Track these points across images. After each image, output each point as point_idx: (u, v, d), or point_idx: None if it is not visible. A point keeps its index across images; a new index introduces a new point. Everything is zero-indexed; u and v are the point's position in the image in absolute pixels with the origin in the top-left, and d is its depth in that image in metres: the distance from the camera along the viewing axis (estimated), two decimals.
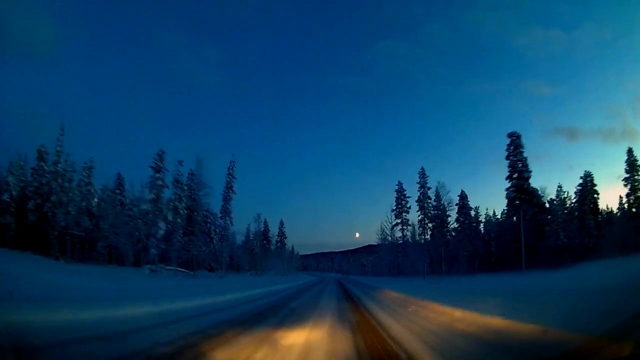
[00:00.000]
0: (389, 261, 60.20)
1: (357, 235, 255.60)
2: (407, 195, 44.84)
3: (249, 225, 55.47)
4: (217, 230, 51.67)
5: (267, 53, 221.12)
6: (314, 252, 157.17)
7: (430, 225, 36.95)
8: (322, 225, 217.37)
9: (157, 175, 24.59)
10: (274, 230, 66.22)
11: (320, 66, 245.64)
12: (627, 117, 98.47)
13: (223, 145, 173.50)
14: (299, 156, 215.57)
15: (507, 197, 32.47)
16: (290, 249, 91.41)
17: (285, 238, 65.95)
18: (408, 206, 44.63)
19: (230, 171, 34.79)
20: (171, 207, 25.82)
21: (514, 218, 40.77)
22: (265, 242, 62.37)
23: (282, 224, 66.02)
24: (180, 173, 27.01)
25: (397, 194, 45.25)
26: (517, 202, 31.47)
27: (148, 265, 28.85)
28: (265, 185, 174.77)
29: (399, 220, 44.72)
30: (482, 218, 45.01)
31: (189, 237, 41.47)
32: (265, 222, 62.99)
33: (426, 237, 38.53)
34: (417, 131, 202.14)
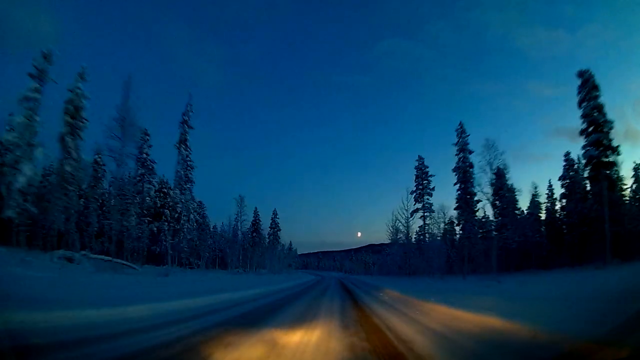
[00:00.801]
0: (401, 258, 50.84)
1: (359, 234, 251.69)
2: (429, 174, 35.31)
3: (237, 214, 45.52)
4: (192, 216, 42.39)
5: (269, 51, 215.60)
6: (315, 251, 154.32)
7: (472, 201, 27.03)
8: (324, 225, 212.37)
9: (35, 85, 14.97)
10: (267, 224, 56.83)
11: (321, 65, 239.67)
12: (629, 118, 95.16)
13: (224, 145, 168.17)
14: (301, 156, 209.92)
15: (585, 156, 22.96)
16: (288, 244, 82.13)
17: (279, 230, 56.29)
18: (431, 187, 35.11)
19: (185, 117, 24.37)
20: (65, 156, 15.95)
21: (564, 199, 31.40)
22: (255, 234, 52.89)
23: (275, 213, 56.46)
24: (79, 90, 17.28)
25: (417, 172, 35.72)
26: (595, 161, 21.92)
27: (62, 251, 19.58)
28: (266, 184, 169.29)
29: (419, 205, 35.12)
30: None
31: (144, 218, 32.20)
32: (256, 212, 53.59)
33: (471, 218, 28.71)
34: (419, 131, 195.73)
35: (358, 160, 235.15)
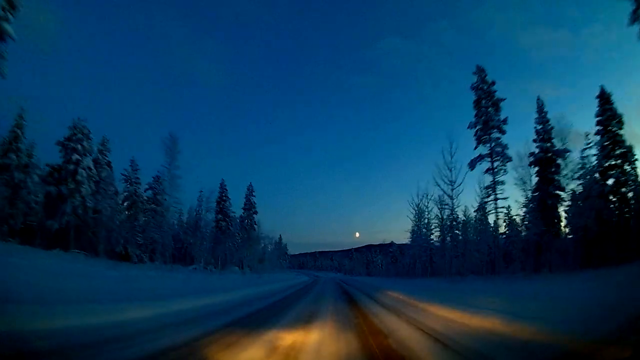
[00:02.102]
0: (425, 254, 35.99)
1: (357, 234, 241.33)
2: (497, 96, 20.57)
3: (165, 165, 26.69)
4: (106, 176, 26.99)
5: (270, 50, 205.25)
6: (312, 251, 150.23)
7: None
8: (321, 226, 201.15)
9: None
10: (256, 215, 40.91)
11: (321, 63, 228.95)
12: (631, 119, 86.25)
13: (223, 145, 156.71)
14: (301, 156, 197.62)
15: None
16: (277, 238, 66.45)
17: (256, 213, 40.57)
18: (502, 119, 20.33)
19: None
20: None
21: None
22: (220, 217, 37.30)
23: (250, 190, 40.68)
24: None
25: (476, 93, 20.84)
26: None
27: None
28: (266, 184, 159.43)
29: (484, 150, 20.21)
30: None
31: None
32: (223, 186, 38.14)
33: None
34: (420, 131, 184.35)
35: (358, 161, 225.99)
